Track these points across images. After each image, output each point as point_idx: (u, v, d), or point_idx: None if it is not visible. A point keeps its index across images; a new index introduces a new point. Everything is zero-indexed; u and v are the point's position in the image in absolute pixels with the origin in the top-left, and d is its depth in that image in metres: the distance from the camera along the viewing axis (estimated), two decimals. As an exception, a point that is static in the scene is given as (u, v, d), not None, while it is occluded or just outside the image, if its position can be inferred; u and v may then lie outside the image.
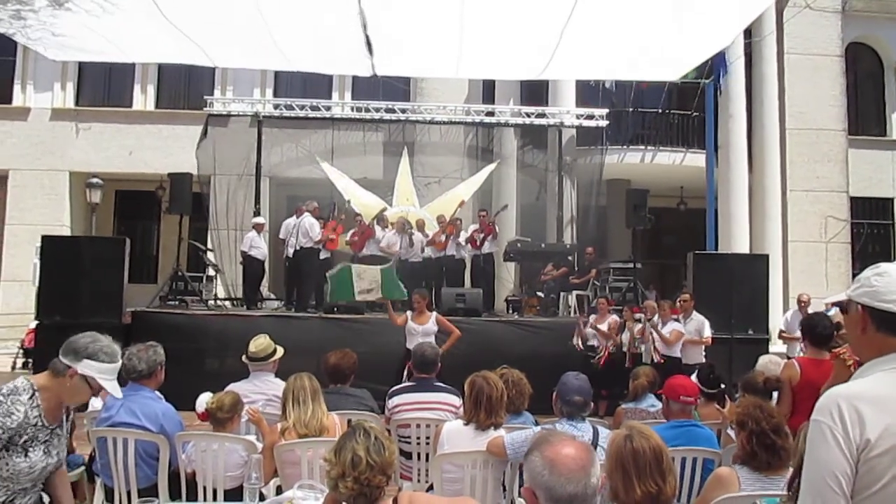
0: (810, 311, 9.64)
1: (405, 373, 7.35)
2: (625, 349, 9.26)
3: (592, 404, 4.02)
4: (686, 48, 6.92)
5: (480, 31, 6.30)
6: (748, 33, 15.81)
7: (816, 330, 4.54)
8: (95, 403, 4.94)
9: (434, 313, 8.51)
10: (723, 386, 5.07)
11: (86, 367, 2.68)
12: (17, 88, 17.95)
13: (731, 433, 3.73)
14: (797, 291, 16.04)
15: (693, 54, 7.16)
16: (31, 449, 2.58)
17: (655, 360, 8.39)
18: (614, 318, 9.62)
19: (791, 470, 2.82)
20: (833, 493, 1.57)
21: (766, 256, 11.35)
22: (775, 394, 4.49)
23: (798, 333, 8.54)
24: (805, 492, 1.64)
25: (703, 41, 6.75)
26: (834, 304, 3.71)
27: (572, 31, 5.92)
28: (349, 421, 4.12)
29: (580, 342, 9.57)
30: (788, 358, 5.54)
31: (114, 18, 5.46)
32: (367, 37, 5.93)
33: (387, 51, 6.49)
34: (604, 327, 9.45)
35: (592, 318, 9.73)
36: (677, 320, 8.78)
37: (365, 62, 6.70)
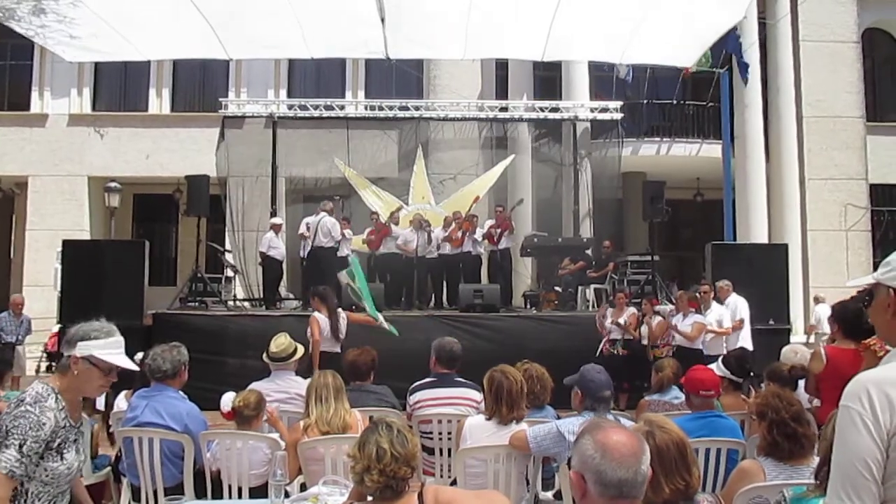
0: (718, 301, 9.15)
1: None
2: (644, 342, 9.23)
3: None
4: (696, 26, 6.89)
5: (487, 7, 6.34)
6: (762, 16, 15.71)
7: (849, 318, 4.26)
8: (121, 404, 5.00)
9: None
10: (752, 374, 5.03)
11: (82, 349, 2.66)
12: (34, 95, 18.15)
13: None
14: (817, 281, 16.02)
15: (704, 32, 7.11)
16: (65, 451, 2.60)
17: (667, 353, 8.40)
18: (632, 311, 9.59)
19: (817, 458, 2.82)
20: (864, 480, 1.55)
21: (786, 246, 11.27)
22: (801, 382, 4.45)
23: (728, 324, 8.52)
24: (835, 479, 1.62)
25: (712, 18, 6.71)
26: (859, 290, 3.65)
27: (573, 3, 5.94)
28: (370, 417, 4.14)
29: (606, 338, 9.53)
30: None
31: (131, 7, 5.51)
32: (381, 15, 6.02)
33: (399, 29, 6.57)
34: (621, 321, 9.41)
35: (609, 311, 9.69)
36: (698, 312, 8.73)
37: (379, 43, 6.77)
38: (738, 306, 8.76)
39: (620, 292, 10.05)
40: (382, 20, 6.38)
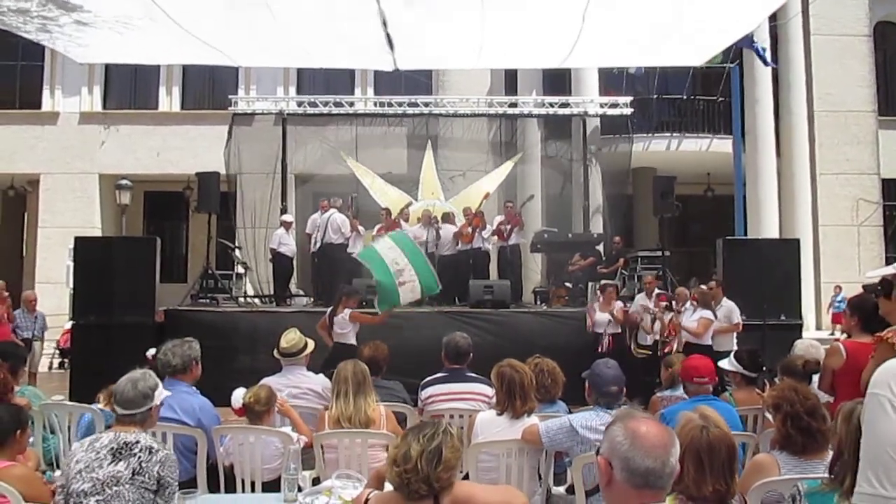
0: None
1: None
2: (656, 338, 9.18)
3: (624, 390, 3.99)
4: (711, 31, 6.86)
5: (502, 20, 6.28)
6: (773, 16, 15.60)
7: (869, 310, 3.89)
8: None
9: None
10: (764, 369, 4.99)
11: (160, 396, 3.16)
12: (45, 94, 18.26)
13: (770, 416, 3.69)
14: (829, 276, 15.94)
15: (719, 37, 7.08)
16: None
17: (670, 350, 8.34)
18: (619, 304, 9.52)
19: (831, 452, 2.80)
20: (894, 463, 1.55)
21: (797, 241, 11.18)
22: (815, 377, 4.42)
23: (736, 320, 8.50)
24: (866, 465, 1.62)
25: (728, 23, 6.67)
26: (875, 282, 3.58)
27: (594, 15, 5.88)
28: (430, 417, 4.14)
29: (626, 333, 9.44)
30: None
31: (136, 35, 5.57)
32: (387, 34, 5.96)
33: (408, 46, 6.51)
34: (607, 316, 9.31)
35: (597, 305, 9.60)
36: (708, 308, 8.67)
37: (386, 58, 6.73)
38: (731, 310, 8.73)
39: (612, 287, 9.91)
40: (390, 43, 6.34)
